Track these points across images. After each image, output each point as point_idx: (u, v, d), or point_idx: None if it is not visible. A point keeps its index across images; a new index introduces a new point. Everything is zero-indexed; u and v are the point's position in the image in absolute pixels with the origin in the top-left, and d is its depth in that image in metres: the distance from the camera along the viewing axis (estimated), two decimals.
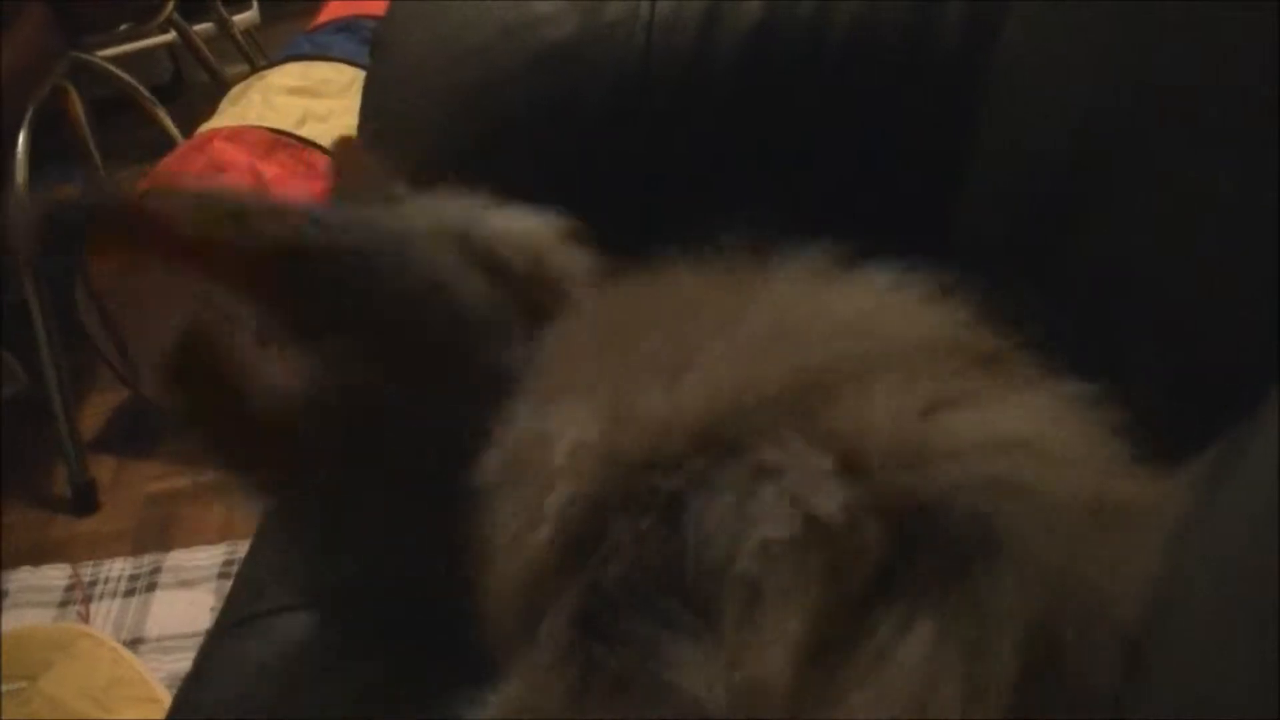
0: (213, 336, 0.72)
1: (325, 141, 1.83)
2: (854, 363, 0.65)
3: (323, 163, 1.80)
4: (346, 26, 2.12)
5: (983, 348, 0.68)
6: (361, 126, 1.13)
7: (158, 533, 1.87)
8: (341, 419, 0.76)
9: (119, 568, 1.80)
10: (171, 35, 2.56)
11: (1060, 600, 0.55)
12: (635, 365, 0.69)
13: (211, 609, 1.67)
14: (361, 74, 1.38)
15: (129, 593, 1.76)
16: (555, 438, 0.67)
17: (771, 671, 0.56)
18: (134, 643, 1.67)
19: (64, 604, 1.77)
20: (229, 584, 1.04)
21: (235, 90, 2.07)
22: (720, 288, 0.76)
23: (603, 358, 0.73)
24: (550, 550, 0.65)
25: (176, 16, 2.35)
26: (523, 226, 0.85)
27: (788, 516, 0.58)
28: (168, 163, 1.89)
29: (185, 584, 1.74)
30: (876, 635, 0.56)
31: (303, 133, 1.85)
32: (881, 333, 0.69)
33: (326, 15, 2.21)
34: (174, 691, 0.99)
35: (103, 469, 2.00)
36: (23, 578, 1.82)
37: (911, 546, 0.57)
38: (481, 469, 0.73)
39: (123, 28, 2.27)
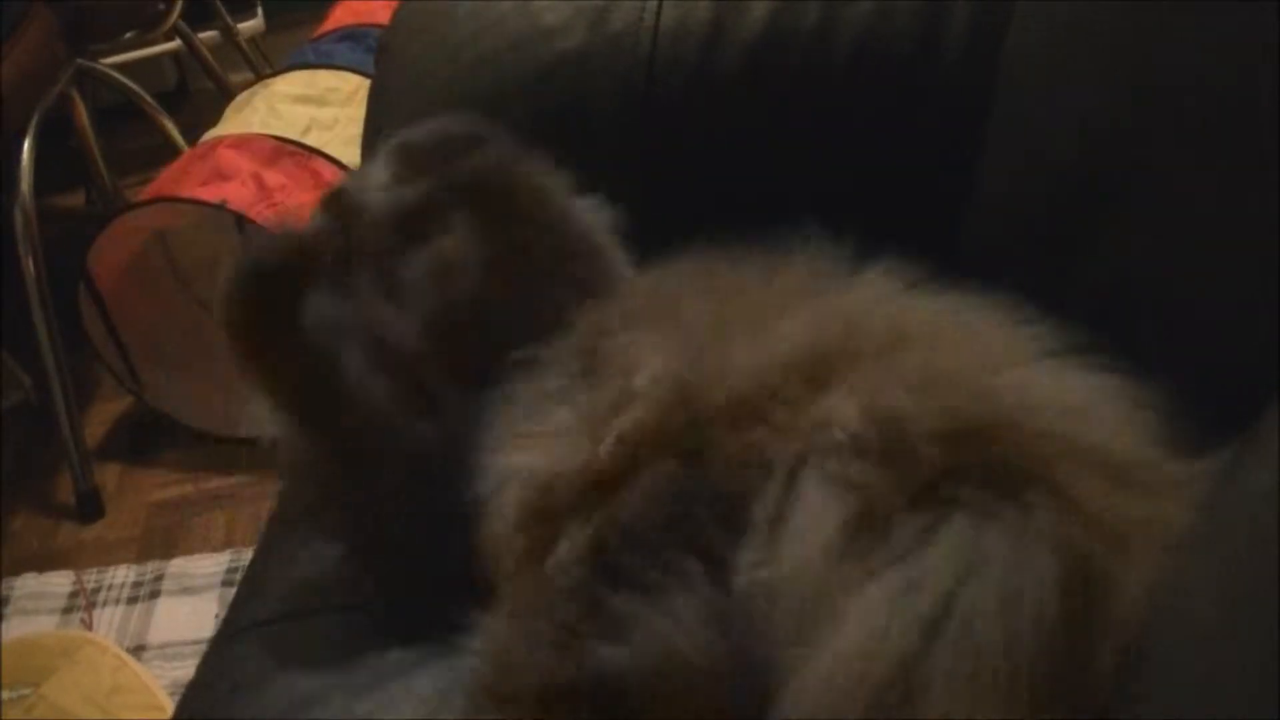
0: (273, 273, 0.73)
1: (331, 149, 1.83)
2: (922, 324, 0.67)
3: (328, 171, 1.81)
4: (351, 35, 2.13)
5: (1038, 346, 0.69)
6: (366, 135, 1.13)
7: (162, 540, 1.87)
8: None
9: (122, 575, 1.81)
10: (176, 43, 2.56)
11: (1099, 546, 0.56)
12: (730, 310, 0.71)
13: (215, 616, 1.67)
14: (366, 82, 1.39)
15: (132, 600, 1.76)
16: (639, 361, 0.68)
17: (800, 565, 0.57)
18: (137, 650, 1.67)
19: (68, 611, 1.77)
20: (233, 591, 1.04)
21: (240, 98, 2.08)
22: (790, 295, 0.77)
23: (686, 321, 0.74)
24: (599, 470, 0.66)
25: (181, 24, 2.35)
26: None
27: (850, 416, 0.59)
28: (172, 170, 1.89)
29: (189, 591, 1.74)
30: (905, 534, 0.56)
31: (308, 141, 1.85)
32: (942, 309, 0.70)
33: (331, 24, 2.22)
34: (177, 699, 0.98)
35: (107, 476, 2.00)
36: (27, 584, 1.82)
37: (962, 467, 0.57)
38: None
39: (128, 36, 2.27)
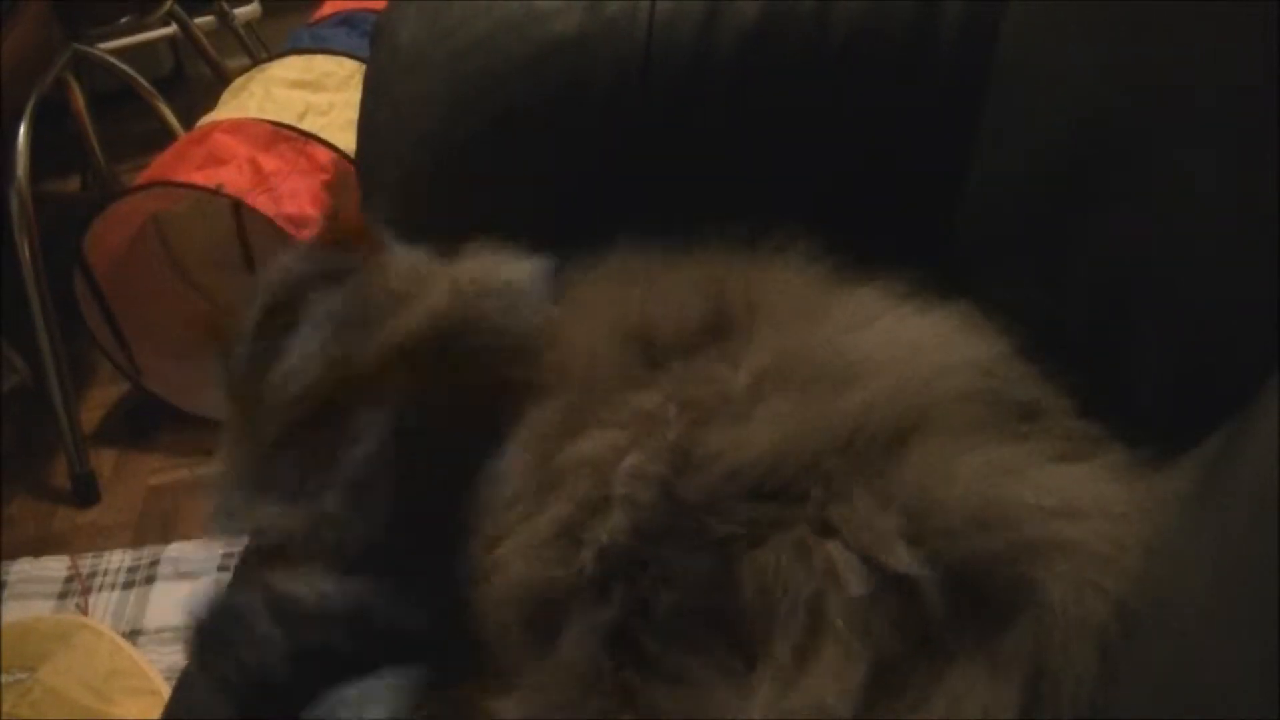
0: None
1: (326, 134, 1.83)
2: (914, 414, 0.67)
3: (324, 156, 1.80)
4: (347, 20, 2.12)
5: (1023, 397, 0.71)
6: (361, 119, 1.13)
7: (158, 525, 1.87)
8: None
9: (118, 559, 1.81)
10: (172, 28, 2.55)
11: (1065, 642, 0.59)
12: (694, 392, 0.70)
13: None
14: (362, 67, 1.38)
15: (128, 584, 1.76)
16: (610, 461, 0.68)
17: (837, 700, 0.59)
18: (133, 634, 1.67)
19: (63, 595, 1.77)
20: (228, 576, 1.04)
21: (236, 83, 2.07)
22: (769, 290, 0.77)
23: (652, 369, 0.73)
24: (588, 569, 0.66)
25: (178, 9, 2.34)
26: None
27: (860, 572, 0.61)
28: (168, 155, 1.88)
29: (185, 576, 1.74)
30: (914, 685, 0.59)
31: (304, 126, 1.85)
32: (934, 376, 0.70)
33: (327, 8, 2.21)
34: (172, 683, 0.99)
35: (103, 461, 2.00)
36: (22, 569, 1.82)
37: (961, 607, 0.60)
38: (503, 467, 0.74)
39: (124, 20, 2.26)
